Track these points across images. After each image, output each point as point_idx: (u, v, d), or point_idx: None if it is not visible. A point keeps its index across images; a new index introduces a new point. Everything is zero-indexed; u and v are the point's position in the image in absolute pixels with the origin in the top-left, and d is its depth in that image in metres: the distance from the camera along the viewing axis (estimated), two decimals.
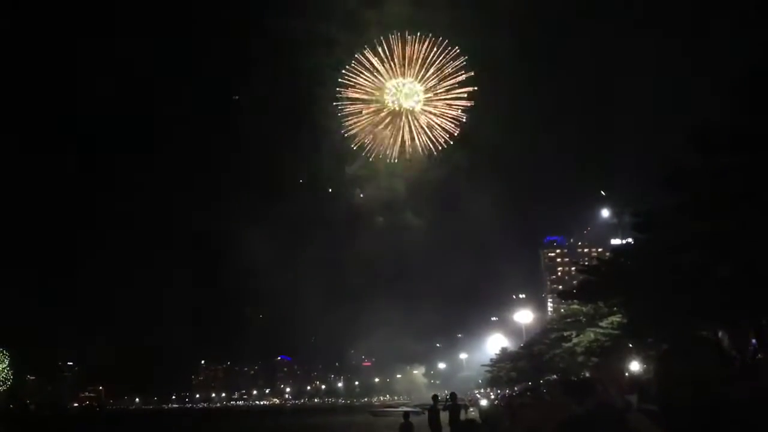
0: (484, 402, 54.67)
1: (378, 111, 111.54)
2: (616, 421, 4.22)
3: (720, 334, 21.58)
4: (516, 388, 64.75)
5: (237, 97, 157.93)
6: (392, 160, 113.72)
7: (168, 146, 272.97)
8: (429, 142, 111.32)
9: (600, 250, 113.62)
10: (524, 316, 74.72)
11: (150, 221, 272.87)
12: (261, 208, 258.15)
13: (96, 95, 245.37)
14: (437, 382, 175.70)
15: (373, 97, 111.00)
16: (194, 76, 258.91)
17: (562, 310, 48.30)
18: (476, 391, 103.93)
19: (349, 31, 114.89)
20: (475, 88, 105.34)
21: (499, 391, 78.04)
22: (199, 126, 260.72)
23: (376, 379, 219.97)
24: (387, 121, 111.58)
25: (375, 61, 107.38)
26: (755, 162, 15.00)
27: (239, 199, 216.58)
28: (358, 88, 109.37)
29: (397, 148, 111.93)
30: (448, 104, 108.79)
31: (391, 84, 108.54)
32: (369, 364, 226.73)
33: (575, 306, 36.90)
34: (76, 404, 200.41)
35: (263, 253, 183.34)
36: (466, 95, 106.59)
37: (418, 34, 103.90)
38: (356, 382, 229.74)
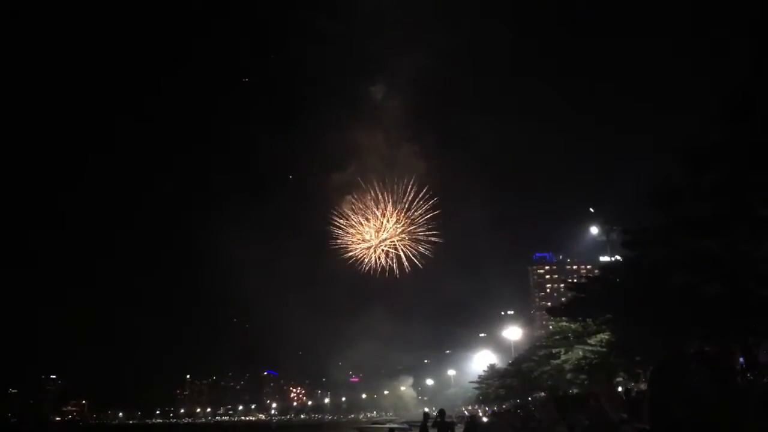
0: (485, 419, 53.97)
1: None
2: None
3: (707, 350, 21.62)
4: (504, 406, 64.42)
5: (247, 79, 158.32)
6: None
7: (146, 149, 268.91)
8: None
9: (589, 267, 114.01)
10: (512, 333, 74.45)
11: (137, 233, 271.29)
12: (247, 215, 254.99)
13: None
14: (425, 398, 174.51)
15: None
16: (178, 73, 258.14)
17: (551, 327, 48.12)
18: (464, 408, 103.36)
19: None
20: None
21: (487, 409, 77.58)
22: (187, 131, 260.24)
23: (364, 395, 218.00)
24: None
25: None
26: (744, 179, 15.09)
27: (226, 208, 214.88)
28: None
29: None
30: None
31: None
32: (356, 380, 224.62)
33: (564, 323, 36.74)
34: (58, 418, 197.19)
35: (248, 264, 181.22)
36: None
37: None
38: (343, 398, 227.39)
